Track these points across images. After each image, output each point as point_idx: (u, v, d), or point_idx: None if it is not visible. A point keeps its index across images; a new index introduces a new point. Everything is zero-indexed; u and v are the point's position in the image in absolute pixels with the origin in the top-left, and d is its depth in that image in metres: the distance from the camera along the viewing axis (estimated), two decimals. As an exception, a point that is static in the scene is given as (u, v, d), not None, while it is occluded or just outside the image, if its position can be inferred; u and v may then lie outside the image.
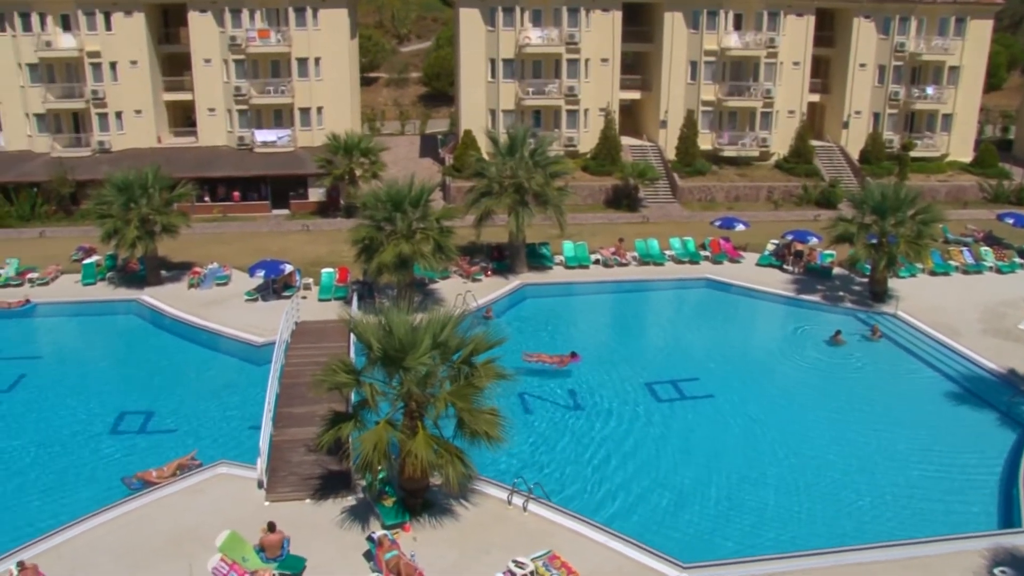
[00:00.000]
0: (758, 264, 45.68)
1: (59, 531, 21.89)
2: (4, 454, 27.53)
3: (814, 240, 44.84)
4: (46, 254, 47.20)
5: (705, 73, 61.66)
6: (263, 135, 61.05)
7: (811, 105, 65.15)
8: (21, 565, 19.72)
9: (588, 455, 27.21)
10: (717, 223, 48.85)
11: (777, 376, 33.59)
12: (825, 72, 66.15)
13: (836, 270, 44.44)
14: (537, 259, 45.16)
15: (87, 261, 44.45)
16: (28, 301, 40.78)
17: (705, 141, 62.38)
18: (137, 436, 28.60)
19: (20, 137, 60.89)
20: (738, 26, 61.18)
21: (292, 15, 59.66)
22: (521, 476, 23.78)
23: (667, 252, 46.72)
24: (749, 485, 25.37)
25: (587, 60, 61.02)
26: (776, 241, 46.90)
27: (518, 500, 23.05)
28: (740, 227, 47.98)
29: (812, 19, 62.07)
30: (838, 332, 36.55)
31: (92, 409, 30.47)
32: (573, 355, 33.48)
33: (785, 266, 44.63)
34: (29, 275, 43.58)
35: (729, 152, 62.81)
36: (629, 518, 23.57)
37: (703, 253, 46.90)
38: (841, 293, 41.86)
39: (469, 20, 60.33)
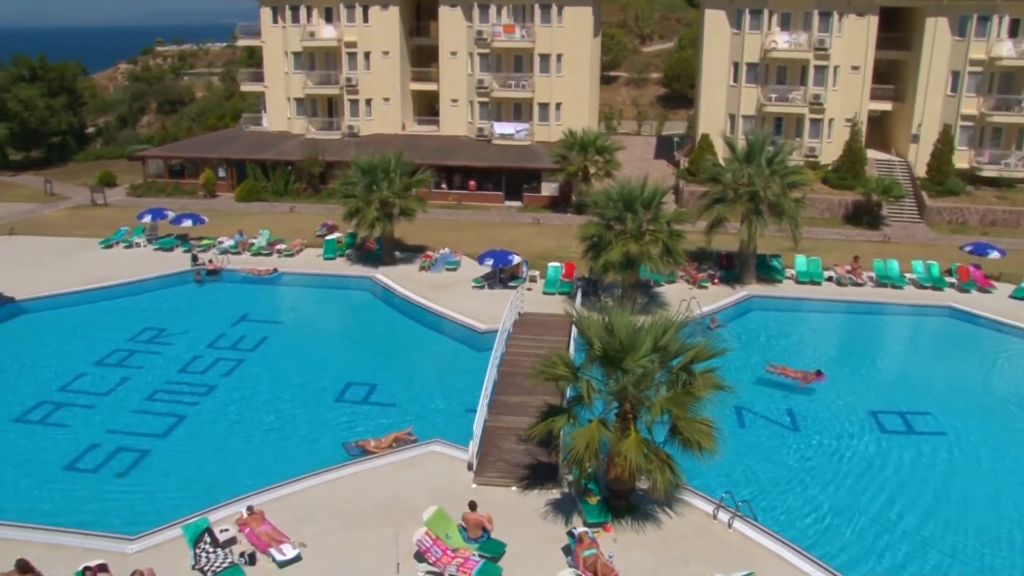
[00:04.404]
0: (1012, 297, 41.65)
1: (285, 484, 23.58)
2: (243, 408, 29.88)
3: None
4: (294, 228, 50.88)
5: (968, 84, 57.12)
6: (502, 127, 62.71)
7: (1095, 124, 58.81)
8: (250, 509, 21.65)
9: (801, 479, 25.80)
10: (968, 248, 45.05)
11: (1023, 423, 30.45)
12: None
13: (1106, 310, 39.93)
14: (767, 271, 43.58)
15: (329, 237, 47.47)
16: (275, 270, 44.10)
17: (961, 159, 57.74)
18: (360, 406, 30.12)
19: (281, 119, 66.32)
20: (1013, 33, 56.17)
21: (538, 11, 60.92)
22: (729, 491, 22.95)
23: (908, 275, 43.77)
24: (971, 536, 23.03)
25: (836, 67, 58.11)
26: (1036, 273, 42.81)
27: (724, 515, 22.30)
28: (994, 254, 43.97)
29: (1109, 25, 55.87)
30: (1102, 379, 32.80)
31: (321, 376, 32.38)
32: (818, 373, 31.89)
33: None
34: (278, 246, 47.09)
35: (989, 172, 57.82)
36: (837, 550, 22.10)
37: (949, 280, 43.45)
38: (1110, 336, 37.57)
39: (714, 21, 59.11)
